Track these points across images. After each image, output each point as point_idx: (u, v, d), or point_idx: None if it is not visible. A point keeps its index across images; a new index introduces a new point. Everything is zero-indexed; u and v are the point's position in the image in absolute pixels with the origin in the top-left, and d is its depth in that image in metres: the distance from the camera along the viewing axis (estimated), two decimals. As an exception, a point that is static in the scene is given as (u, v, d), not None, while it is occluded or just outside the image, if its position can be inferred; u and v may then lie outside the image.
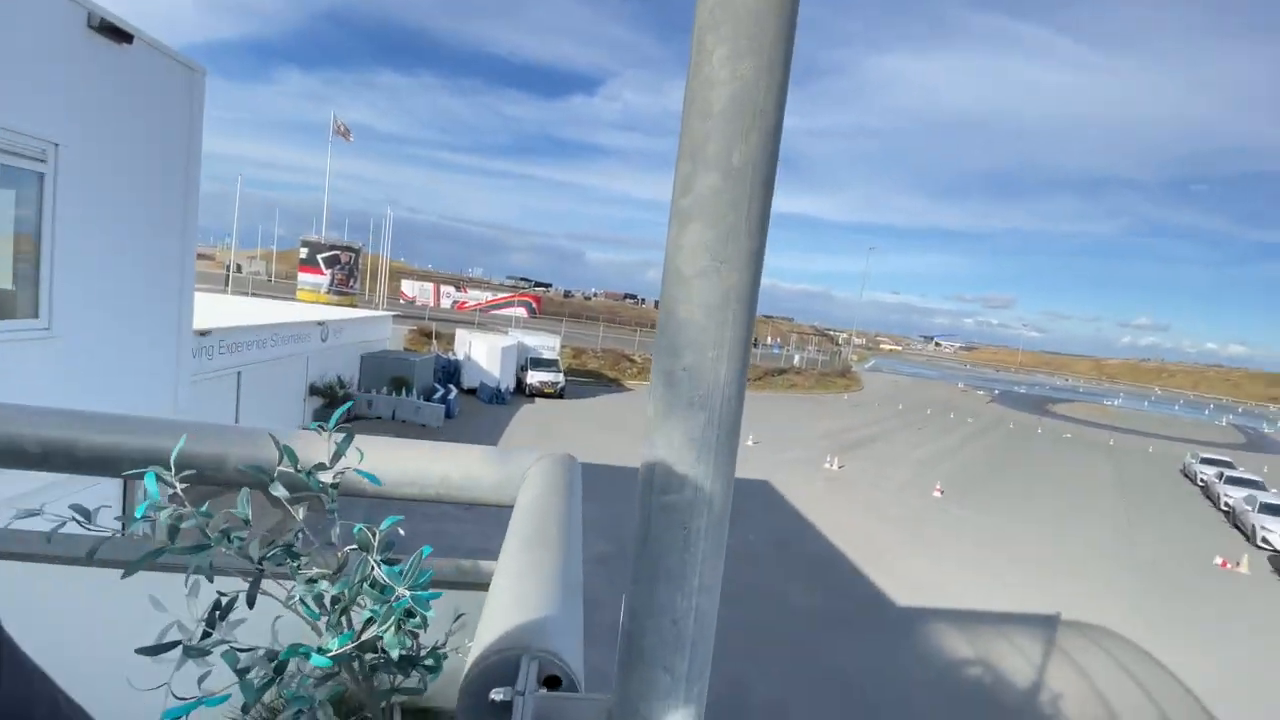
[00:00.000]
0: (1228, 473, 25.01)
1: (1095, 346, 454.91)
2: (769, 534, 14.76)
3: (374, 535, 1.06)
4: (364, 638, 0.99)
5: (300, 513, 1.11)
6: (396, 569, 1.03)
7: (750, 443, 23.79)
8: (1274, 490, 22.52)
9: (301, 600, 1.03)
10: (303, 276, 30.36)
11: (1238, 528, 20.43)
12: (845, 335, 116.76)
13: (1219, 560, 16.79)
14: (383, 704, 1.12)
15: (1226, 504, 22.32)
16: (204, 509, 1.01)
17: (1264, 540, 18.42)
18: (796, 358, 56.06)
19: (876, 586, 12.64)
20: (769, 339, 77.98)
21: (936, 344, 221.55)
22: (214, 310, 13.38)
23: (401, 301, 46.18)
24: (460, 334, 30.03)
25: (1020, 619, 12.01)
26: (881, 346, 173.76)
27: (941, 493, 20.12)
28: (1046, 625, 11.86)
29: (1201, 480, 26.50)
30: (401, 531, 1.13)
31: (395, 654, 1.00)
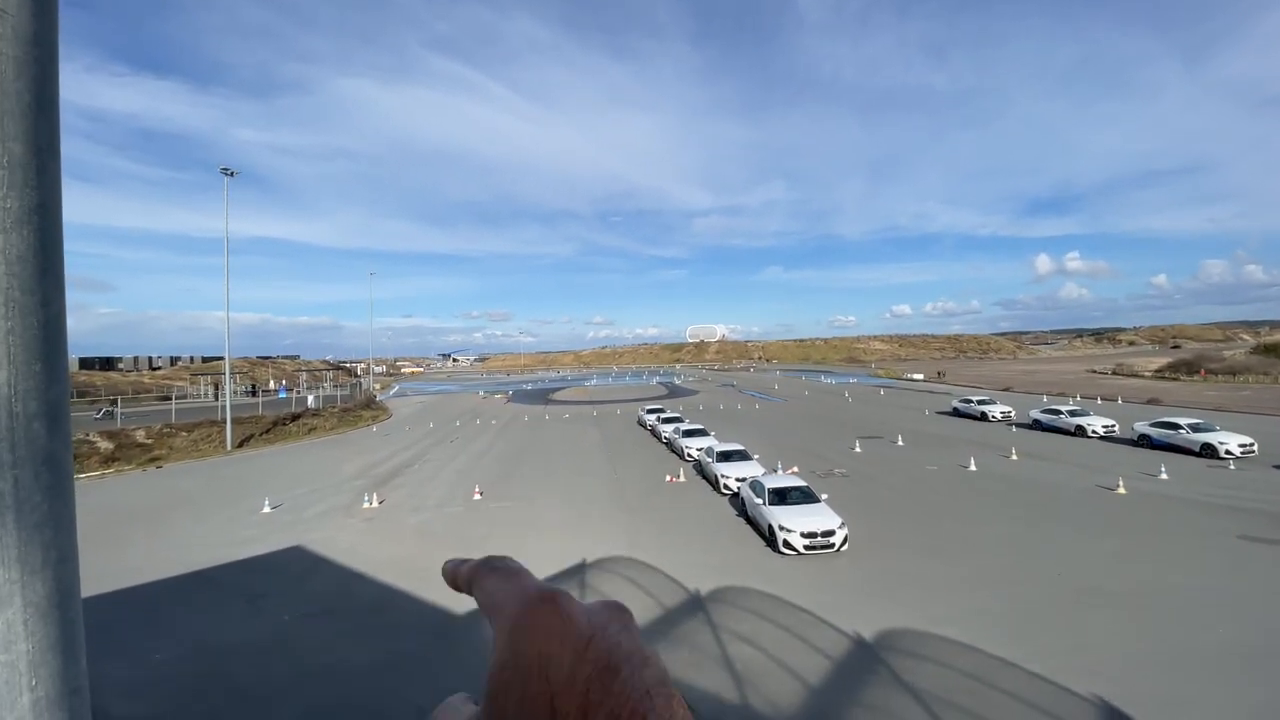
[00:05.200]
0: (661, 416, 35.73)
1: (573, 342, 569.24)
2: (311, 604, 12.81)
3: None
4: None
5: None
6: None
7: (267, 509, 20.30)
8: (688, 421, 32.76)
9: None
10: None
11: (673, 452, 28.70)
12: (363, 365, 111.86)
13: (668, 478, 23.22)
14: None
15: (665, 437, 31.15)
16: None
17: (687, 454, 26.44)
18: (310, 398, 50.54)
19: (444, 609, 12.47)
20: (271, 383, 67.95)
21: (454, 360, 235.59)
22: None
23: None
24: None
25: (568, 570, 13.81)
26: (404, 370, 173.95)
27: (481, 494, 21.44)
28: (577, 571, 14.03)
29: (648, 425, 36.32)
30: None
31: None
